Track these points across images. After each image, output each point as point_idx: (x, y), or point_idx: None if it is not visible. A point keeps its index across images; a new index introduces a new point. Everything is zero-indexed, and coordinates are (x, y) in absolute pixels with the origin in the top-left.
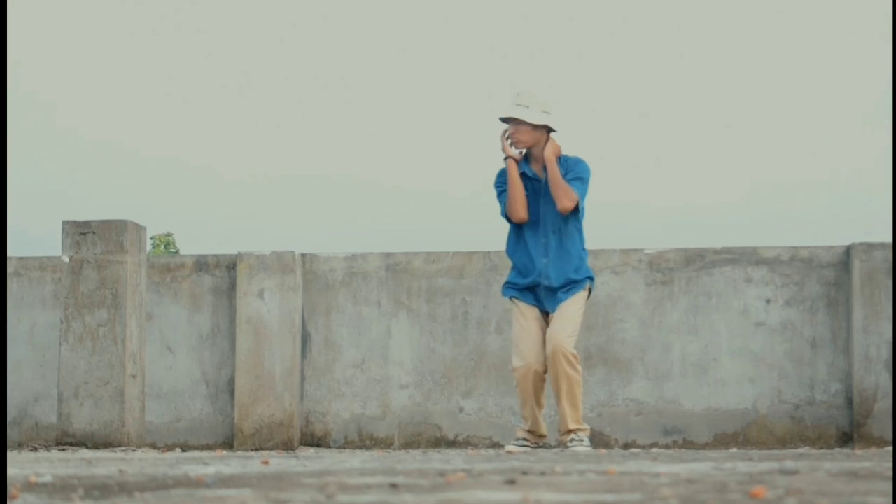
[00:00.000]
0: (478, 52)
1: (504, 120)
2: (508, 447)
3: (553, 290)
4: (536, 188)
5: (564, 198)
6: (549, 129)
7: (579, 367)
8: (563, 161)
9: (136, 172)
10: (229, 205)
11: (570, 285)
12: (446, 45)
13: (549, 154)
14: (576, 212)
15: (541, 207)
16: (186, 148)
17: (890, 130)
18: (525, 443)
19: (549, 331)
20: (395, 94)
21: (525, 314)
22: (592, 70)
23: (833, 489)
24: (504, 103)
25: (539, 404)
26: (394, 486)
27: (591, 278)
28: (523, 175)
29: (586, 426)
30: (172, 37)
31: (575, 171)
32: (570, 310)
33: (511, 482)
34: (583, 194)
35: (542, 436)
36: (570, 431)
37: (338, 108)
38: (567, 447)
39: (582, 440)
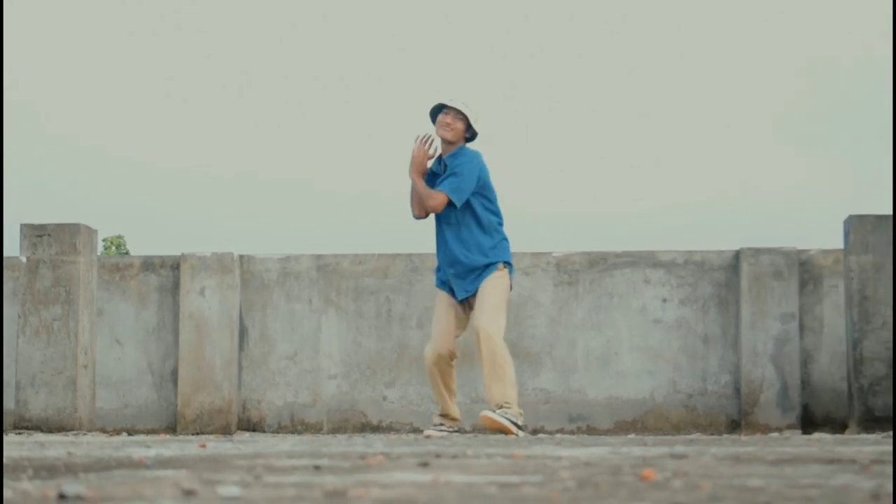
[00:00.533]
0: (478, 52)
1: (436, 113)
2: (427, 431)
3: (461, 279)
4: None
5: (429, 201)
6: (467, 138)
7: (499, 346)
8: (453, 154)
9: (95, 175)
10: (177, 206)
11: (478, 271)
12: (446, 45)
13: (415, 174)
14: (452, 205)
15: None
16: (147, 151)
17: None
18: (441, 427)
19: (471, 316)
20: (396, 94)
21: (440, 302)
22: (587, 70)
23: (716, 472)
24: (442, 98)
25: (448, 389)
26: (317, 467)
27: (504, 262)
28: (432, 173)
29: (510, 404)
30: (172, 37)
31: (451, 166)
32: (485, 292)
33: (425, 464)
34: (454, 187)
35: (454, 419)
36: (498, 407)
37: (335, 108)
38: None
39: (505, 413)
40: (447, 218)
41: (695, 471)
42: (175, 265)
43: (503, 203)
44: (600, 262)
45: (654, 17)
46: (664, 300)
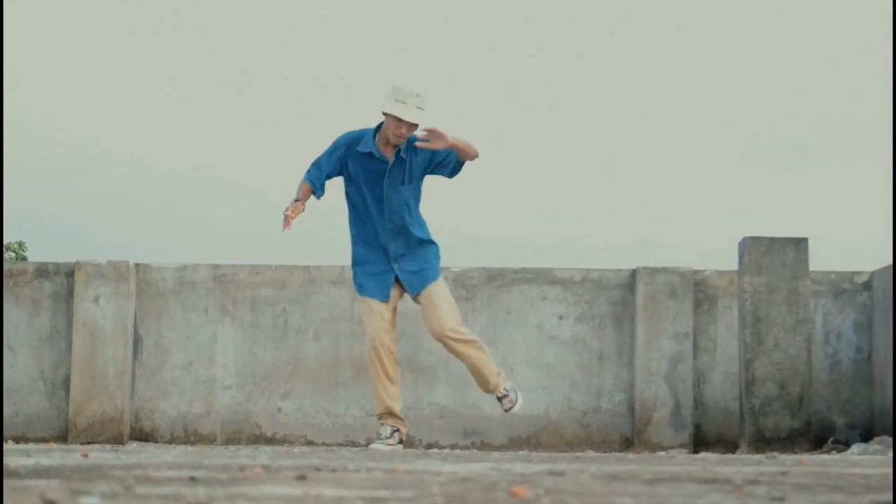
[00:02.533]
0: (478, 52)
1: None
2: (374, 445)
3: (405, 257)
4: (381, 169)
5: (475, 150)
6: None
7: (468, 335)
8: (402, 148)
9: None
10: (77, 210)
11: (423, 250)
12: (446, 45)
13: (453, 140)
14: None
15: (384, 189)
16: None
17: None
18: (390, 441)
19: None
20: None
21: (371, 306)
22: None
23: (589, 490)
24: (396, 102)
25: (391, 379)
26: (192, 479)
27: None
28: (370, 155)
29: (500, 380)
30: (172, 37)
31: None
32: (436, 293)
33: (302, 478)
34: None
35: (400, 419)
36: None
37: (335, 107)
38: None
39: (506, 394)
40: (395, 195)
41: (569, 488)
42: (70, 272)
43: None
44: (498, 278)
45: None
46: (561, 317)
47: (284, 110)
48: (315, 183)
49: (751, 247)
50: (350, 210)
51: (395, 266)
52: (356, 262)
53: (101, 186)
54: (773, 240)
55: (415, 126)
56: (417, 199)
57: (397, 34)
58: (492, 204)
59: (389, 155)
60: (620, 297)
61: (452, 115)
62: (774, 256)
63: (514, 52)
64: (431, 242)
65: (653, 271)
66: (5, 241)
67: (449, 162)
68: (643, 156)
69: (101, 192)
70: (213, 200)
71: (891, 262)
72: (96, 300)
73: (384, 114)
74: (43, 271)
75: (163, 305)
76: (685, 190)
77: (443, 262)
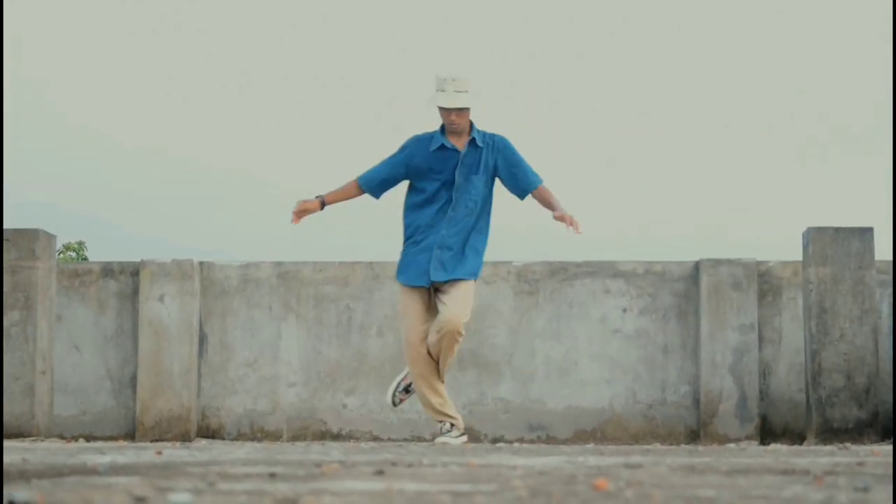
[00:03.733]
0: (478, 52)
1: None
2: (442, 439)
3: (446, 260)
4: (454, 159)
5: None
6: None
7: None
8: (484, 137)
9: (54, 181)
10: (139, 211)
11: (466, 259)
12: (446, 45)
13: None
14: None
15: (456, 178)
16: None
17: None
18: (453, 433)
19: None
20: (395, 93)
21: (412, 300)
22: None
23: (669, 482)
24: (437, 92)
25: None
26: (272, 475)
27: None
28: (441, 147)
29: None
30: (172, 37)
31: (512, 154)
32: (460, 289)
33: (380, 472)
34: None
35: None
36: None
37: (337, 107)
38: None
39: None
40: (466, 184)
41: (648, 481)
42: (135, 272)
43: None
44: (561, 272)
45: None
46: (624, 310)
47: (284, 110)
48: (365, 185)
49: (815, 237)
50: (412, 198)
51: (437, 252)
52: (408, 238)
53: (62, 191)
54: (837, 230)
55: (465, 111)
56: (488, 200)
57: (397, 34)
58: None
59: (461, 146)
60: (684, 289)
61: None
62: (839, 247)
63: (514, 52)
64: (480, 254)
65: (716, 263)
66: (66, 241)
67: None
68: (703, 149)
69: (63, 196)
70: (178, 205)
71: None
72: (161, 299)
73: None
74: (108, 271)
75: (227, 303)
76: (745, 182)
77: (505, 257)
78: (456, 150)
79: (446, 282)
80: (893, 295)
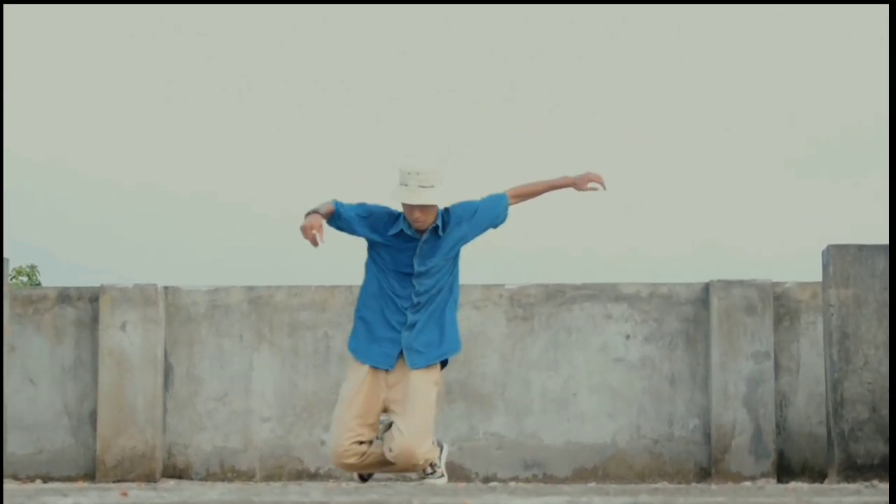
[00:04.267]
0: (477, 56)
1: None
2: (432, 480)
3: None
4: (412, 246)
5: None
6: None
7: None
8: (443, 219)
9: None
10: (97, 235)
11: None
12: (445, 48)
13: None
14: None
15: (414, 266)
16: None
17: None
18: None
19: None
20: (394, 94)
21: (357, 378)
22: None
23: None
24: (400, 186)
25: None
26: None
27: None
28: (400, 233)
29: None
30: (170, 40)
31: (471, 211)
32: (419, 391)
33: None
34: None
35: None
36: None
37: (335, 110)
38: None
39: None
40: (426, 271)
41: None
42: (94, 297)
43: None
44: (558, 296)
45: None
46: (627, 337)
47: (284, 112)
48: (343, 214)
49: (835, 256)
50: (372, 275)
51: (405, 335)
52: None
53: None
54: (860, 247)
55: (430, 207)
56: (453, 272)
57: (397, 37)
58: (547, 217)
59: (422, 233)
60: (693, 313)
61: (453, 118)
62: (862, 266)
63: (515, 56)
64: (450, 336)
65: (728, 284)
66: (14, 266)
67: (487, 221)
68: (711, 161)
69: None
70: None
71: None
72: (123, 327)
73: None
74: (65, 297)
75: (194, 331)
76: (758, 198)
77: (498, 279)
78: (416, 238)
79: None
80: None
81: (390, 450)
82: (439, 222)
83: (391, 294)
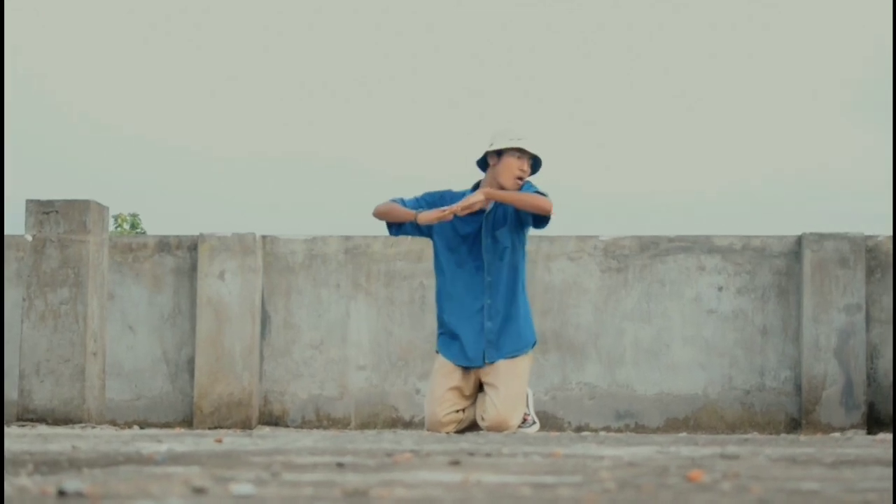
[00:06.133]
0: (462, 58)
1: (499, 153)
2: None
3: (490, 339)
4: (478, 220)
5: (542, 202)
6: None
7: None
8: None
9: (105, 152)
10: (196, 185)
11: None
12: (431, 51)
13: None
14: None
15: (483, 241)
16: (160, 128)
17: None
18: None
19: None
20: (390, 96)
21: (443, 371)
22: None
23: (769, 474)
24: (511, 140)
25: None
26: (340, 465)
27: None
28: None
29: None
30: (164, 42)
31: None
32: (511, 375)
33: (456, 463)
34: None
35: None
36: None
37: (321, 115)
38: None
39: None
40: (494, 244)
41: (746, 472)
42: (193, 246)
43: (553, 181)
44: (651, 247)
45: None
46: (720, 289)
47: (270, 117)
48: (410, 208)
49: None
50: (442, 264)
51: (487, 325)
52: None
53: (113, 163)
54: None
55: (531, 164)
56: (519, 251)
57: (381, 42)
58: (642, 164)
59: (487, 206)
60: (785, 266)
61: (438, 111)
62: None
63: (490, 59)
64: (527, 322)
65: (820, 237)
66: (118, 212)
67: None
68: (803, 114)
69: (112, 168)
70: (231, 180)
71: None
72: (221, 276)
73: (494, 156)
74: (164, 245)
75: (292, 281)
76: (848, 151)
77: (592, 231)
78: (481, 211)
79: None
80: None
81: (483, 419)
82: (494, 207)
83: (463, 288)
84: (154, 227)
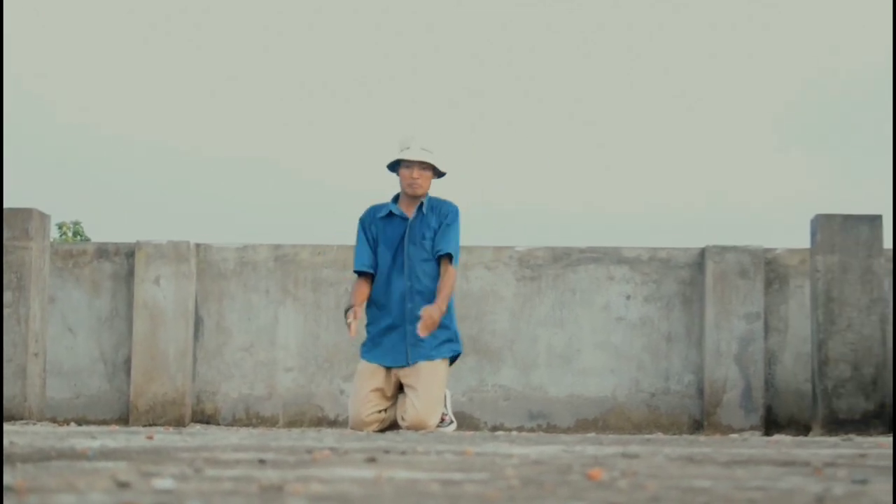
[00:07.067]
0: (462, 58)
1: (395, 165)
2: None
3: (411, 340)
4: (402, 227)
5: (451, 286)
6: (436, 174)
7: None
8: (430, 203)
9: (52, 159)
10: (197, 185)
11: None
12: (431, 51)
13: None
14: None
15: (405, 247)
16: (162, 131)
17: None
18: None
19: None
20: (390, 96)
21: (365, 373)
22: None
23: (665, 472)
24: (400, 151)
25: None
26: (261, 461)
27: (454, 356)
28: (389, 215)
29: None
30: (163, 43)
31: (440, 216)
32: (428, 378)
33: (372, 460)
34: (455, 248)
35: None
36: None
37: (321, 115)
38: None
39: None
40: (417, 252)
41: (644, 471)
42: (130, 252)
43: (469, 194)
44: (564, 258)
45: (644, 15)
46: (628, 297)
47: (270, 117)
48: (367, 267)
49: (823, 224)
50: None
51: (409, 328)
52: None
53: (56, 171)
54: (846, 217)
55: (427, 167)
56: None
57: (381, 42)
58: (555, 180)
59: (410, 213)
60: (689, 276)
61: (443, 117)
62: (848, 234)
63: (491, 59)
64: (452, 326)
65: (723, 250)
66: (62, 220)
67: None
68: (709, 132)
69: (56, 176)
70: (169, 184)
71: None
72: (157, 281)
73: (394, 166)
74: (103, 251)
75: (224, 286)
76: (751, 167)
77: (507, 241)
78: (405, 218)
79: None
80: (894, 283)
81: (403, 419)
82: (426, 203)
83: (389, 290)
84: (95, 234)
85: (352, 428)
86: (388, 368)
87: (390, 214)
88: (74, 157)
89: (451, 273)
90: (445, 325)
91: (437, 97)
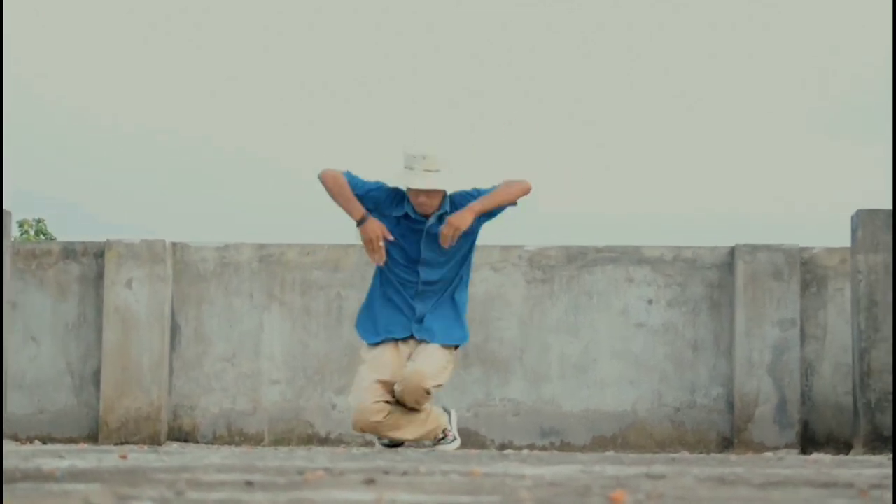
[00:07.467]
0: (462, 58)
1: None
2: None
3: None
4: (418, 229)
5: (519, 189)
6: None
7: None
8: (451, 200)
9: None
10: (104, 189)
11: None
12: (431, 51)
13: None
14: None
15: (422, 252)
16: (159, 125)
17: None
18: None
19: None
20: (390, 96)
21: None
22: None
23: (695, 495)
24: (404, 171)
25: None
26: (249, 483)
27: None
28: (405, 217)
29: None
30: (163, 43)
31: (473, 198)
32: (434, 351)
33: (370, 481)
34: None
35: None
36: None
37: (321, 114)
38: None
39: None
40: (434, 257)
41: (671, 493)
42: (99, 253)
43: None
44: (579, 258)
45: (646, 14)
46: (649, 301)
47: (270, 117)
48: (354, 189)
49: (865, 220)
50: (374, 280)
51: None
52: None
53: (19, 165)
54: (891, 212)
55: (437, 192)
56: (465, 264)
57: (381, 42)
58: (573, 179)
59: (429, 215)
60: (717, 278)
61: (442, 117)
62: (893, 231)
63: (492, 59)
64: (461, 319)
65: (754, 249)
66: (23, 217)
67: (493, 215)
68: (737, 124)
69: (18, 170)
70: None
71: None
72: (129, 284)
73: None
74: (70, 252)
75: (203, 290)
76: (786, 160)
77: (517, 241)
78: (421, 220)
79: (421, 341)
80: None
81: (400, 380)
82: (447, 207)
83: (397, 284)
84: (60, 232)
85: (355, 422)
86: (394, 370)
87: (406, 216)
88: (51, 152)
89: (516, 184)
90: (450, 307)
91: (437, 97)
